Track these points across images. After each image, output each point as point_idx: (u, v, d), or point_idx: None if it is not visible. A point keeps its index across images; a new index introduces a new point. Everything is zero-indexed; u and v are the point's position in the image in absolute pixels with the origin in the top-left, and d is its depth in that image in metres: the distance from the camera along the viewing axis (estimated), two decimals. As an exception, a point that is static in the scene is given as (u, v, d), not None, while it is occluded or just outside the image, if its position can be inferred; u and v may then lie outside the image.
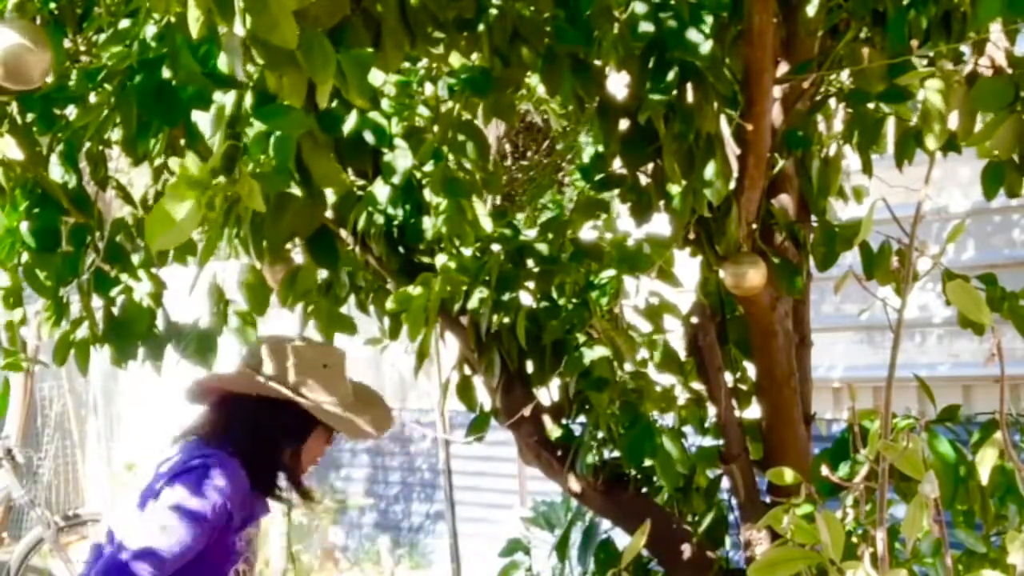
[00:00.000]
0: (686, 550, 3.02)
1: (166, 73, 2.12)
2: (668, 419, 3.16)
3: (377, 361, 7.50)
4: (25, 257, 2.70)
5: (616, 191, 2.87)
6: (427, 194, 2.87)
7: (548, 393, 3.13)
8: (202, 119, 2.10)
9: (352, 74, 1.87)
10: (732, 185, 2.67)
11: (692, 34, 2.40)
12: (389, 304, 2.85)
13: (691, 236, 2.84)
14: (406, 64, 2.93)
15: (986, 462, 1.97)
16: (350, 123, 2.73)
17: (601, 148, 2.82)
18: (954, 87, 2.40)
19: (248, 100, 2.04)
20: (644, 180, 2.77)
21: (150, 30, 2.24)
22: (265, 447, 2.54)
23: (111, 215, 2.88)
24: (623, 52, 2.49)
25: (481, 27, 2.55)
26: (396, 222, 2.93)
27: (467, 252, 2.85)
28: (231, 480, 2.42)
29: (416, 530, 8.00)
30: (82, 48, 2.61)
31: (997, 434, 1.98)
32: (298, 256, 3.12)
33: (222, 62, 2.05)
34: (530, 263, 3.06)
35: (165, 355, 2.95)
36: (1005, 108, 2.42)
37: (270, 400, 2.54)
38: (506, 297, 2.95)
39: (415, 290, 2.69)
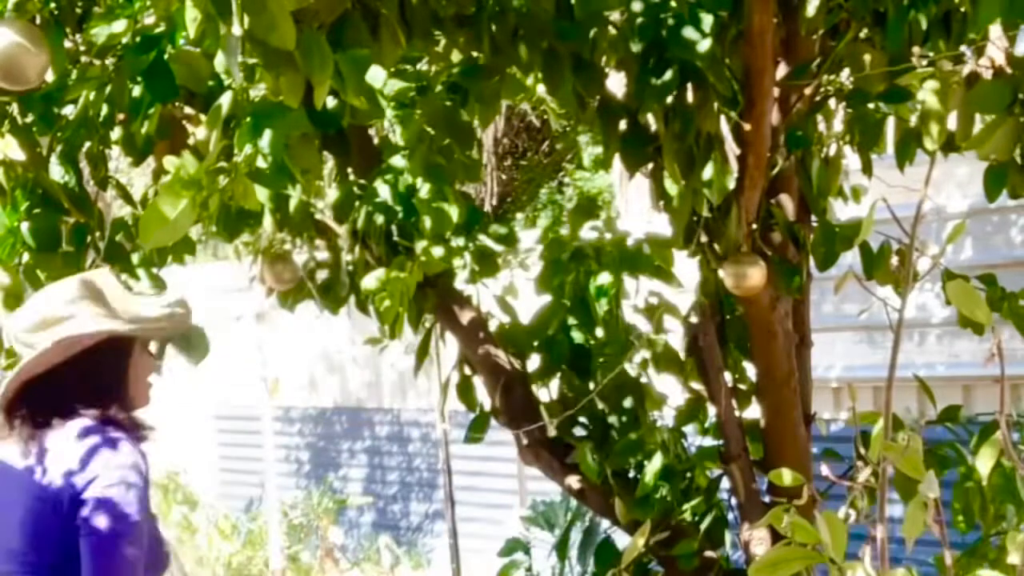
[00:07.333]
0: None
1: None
2: (668, 419, 3.17)
3: (376, 361, 7.50)
4: (25, 257, 2.70)
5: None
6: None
7: (548, 393, 3.13)
8: None
9: (350, 75, 1.87)
10: (732, 185, 2.66)
11: (690, 33, 2.39)
12: (365, 284, 2.74)
13: (692, 236, 2.83)
14: (406, 67, 2.92)
15: (985, 463, 1.97)
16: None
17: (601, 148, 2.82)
18: (952, 88, 2.40)
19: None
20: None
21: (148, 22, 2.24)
22: None
23: (111, 215, 2.88)
24: (622, 52, 2.49)
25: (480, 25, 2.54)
26: (395, 222, 2.92)
27: (459, 242, 2.82)
28: None
29: (415, 529, 8.00)
30: (82, 48, 2.61)
31: (997, 434, 1.97)
32: (298, 256, 3.12)
33: (219, 61, 2.05)
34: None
35: (166, 354, 2.95)
36: (1003, 111, 2.41)
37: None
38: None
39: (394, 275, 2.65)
